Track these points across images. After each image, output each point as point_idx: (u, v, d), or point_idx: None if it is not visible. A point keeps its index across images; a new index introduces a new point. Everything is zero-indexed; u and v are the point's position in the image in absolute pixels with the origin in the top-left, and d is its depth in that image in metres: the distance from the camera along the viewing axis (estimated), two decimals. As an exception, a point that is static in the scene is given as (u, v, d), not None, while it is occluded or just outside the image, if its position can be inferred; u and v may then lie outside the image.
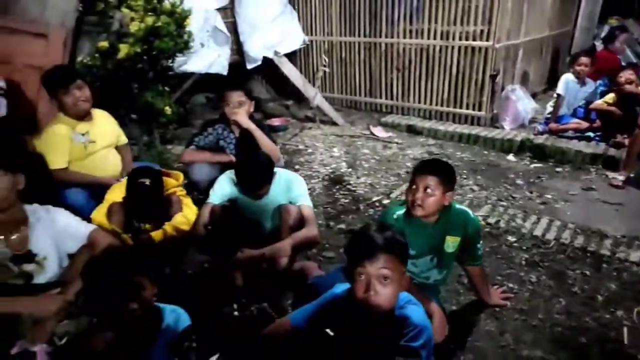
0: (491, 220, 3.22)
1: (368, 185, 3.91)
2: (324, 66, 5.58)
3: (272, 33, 5.57)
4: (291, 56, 5.99)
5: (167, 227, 2.52)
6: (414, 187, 1.99)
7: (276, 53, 5.60)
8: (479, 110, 5.07)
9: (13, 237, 1.96)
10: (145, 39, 3.23)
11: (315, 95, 5.43)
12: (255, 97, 3.48)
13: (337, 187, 3.87)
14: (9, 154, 1.92)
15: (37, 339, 1.84)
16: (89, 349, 1.48)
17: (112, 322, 1.48)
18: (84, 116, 2.76)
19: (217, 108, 5.75)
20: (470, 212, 2.14)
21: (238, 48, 5.45)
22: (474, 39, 4.92)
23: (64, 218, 2.08)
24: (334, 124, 5.49)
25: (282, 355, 1.66)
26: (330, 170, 4.21)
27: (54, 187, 2.61)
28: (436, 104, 5.34)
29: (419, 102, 5.46)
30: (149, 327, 1.57)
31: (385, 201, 3.58)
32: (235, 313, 2.23)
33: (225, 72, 5.10)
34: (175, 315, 1.64)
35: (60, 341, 1.98)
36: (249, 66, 5.50)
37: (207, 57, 4.90)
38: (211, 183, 2.94)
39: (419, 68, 5.35)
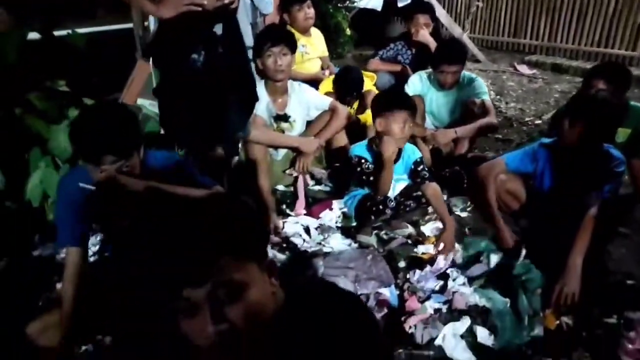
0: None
1: (518, 109, 4.28)
2: (478, 1, 5.84)
3: (423, -28, 5.93)
4: (437, -3, 6.31)
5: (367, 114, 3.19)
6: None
7: (425, -8, 5.96)
8: (633, 50, 5.07)
9: (278, 101, 2.73)
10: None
11: (461, 33, 5.76)
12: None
13: (488, 109, 4.29)
14: (293, 39, 2.62)
15: (297, 169, 2.64)
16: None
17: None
18: (306, 31, 3.45)
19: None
20: (643, 107, 2.50)
21: (390, -14, 5.92)
22: (637, -23, 4.88)
23: (311, 92, 2.81)
24: (477, 61, 5.80)
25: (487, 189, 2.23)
26: (479, 97, 4.62)
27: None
28: (585, 44, 5.41)
29: (567, 42, 5.55)
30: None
31: (537, 121, 3.95)
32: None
33: (379, 9, 5.62)
34: (412, 149, 2.31)
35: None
36: (400, 4, 5.93)
37: (366, -7, 5.46)
38: (388, 89, 3.59)
39: (570, 8, 5.42)
